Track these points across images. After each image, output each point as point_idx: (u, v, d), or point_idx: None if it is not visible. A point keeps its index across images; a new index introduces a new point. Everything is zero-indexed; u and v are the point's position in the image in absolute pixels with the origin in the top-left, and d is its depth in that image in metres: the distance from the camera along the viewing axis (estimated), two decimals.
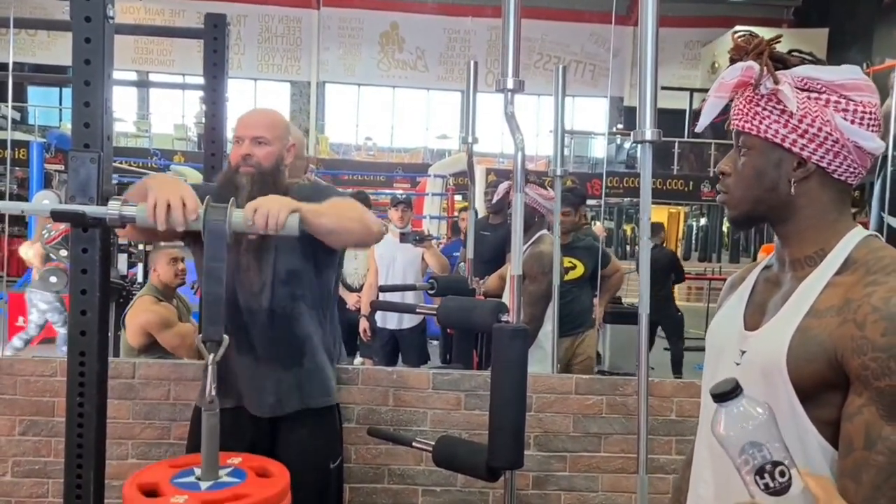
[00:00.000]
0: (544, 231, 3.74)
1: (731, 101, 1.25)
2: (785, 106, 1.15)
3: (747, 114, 1.20)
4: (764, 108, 1.18)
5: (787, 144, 1.16)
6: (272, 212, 1.92)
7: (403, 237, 4.68)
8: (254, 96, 22.76)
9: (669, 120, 16.69)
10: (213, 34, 3.13)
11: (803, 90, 1.16)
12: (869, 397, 1.04)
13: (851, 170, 1.17)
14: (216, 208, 1.92)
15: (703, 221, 22.52)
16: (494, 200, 4.85)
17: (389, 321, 5.35)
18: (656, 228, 9.79)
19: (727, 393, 0.93)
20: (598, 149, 20.12)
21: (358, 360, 5.96)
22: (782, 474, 0.89)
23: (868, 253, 1.14)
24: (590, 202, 14.25)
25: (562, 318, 3.54)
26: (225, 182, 2.27)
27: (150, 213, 1.90)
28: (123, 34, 2.60)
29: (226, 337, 1.92)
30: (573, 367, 4.06)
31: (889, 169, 3.46)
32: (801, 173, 1.17)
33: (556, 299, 3.32)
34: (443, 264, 5.15)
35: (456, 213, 10.32)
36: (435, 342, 6.89)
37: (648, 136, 2.05)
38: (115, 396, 2.71)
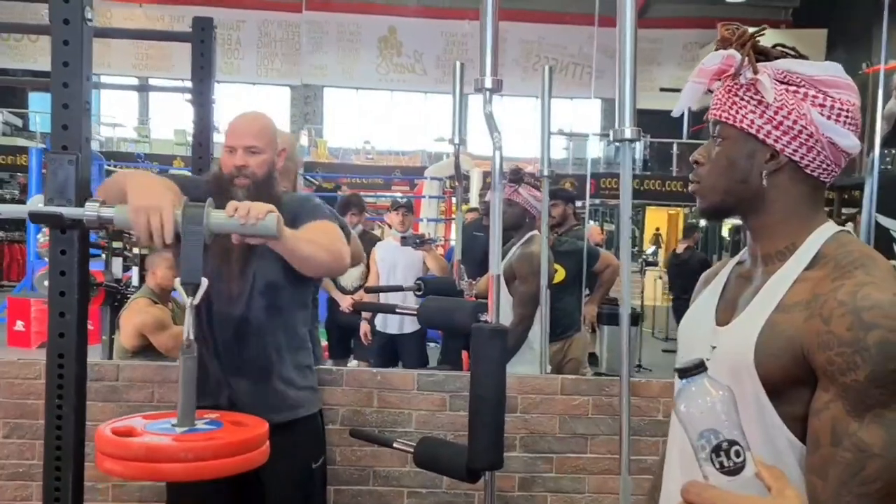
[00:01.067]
0: (535, 232, 3.73)
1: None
2: (762, 97, 1.15)
3: (725, 103, 1.20)
4: (742, 98, 1.18)
5: (761, 135, 1.16)
6: (253, 208, 1.89)
7: (404, 241, 4.67)
8: (253, 101, 22.80)
9: (668, 121, 16.63)
10: (201, 37, 3.14)
11: (782, 82, 1.16)
12: (835, 393, 1.03)
13: (824, 166, 1.17)
14: (193, 207, 1.90)
15: (702, 223, 22.48)
16: (484, 201, 4.85)
17: (390, 325, 5.34)
18: (689, 230, 9.73)
19: (690, 369, 0.93)
20: (596, 150, 20.14)
21: (353, 363, 5.96)
22: (737, 454, 0.89)
23: (838, 248, 1.14)
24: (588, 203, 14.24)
25: (550, 322, 3.53)
26: (218, 191, 2.23)
27: (135, 227, 1.89)
28: (105, 38, 2.61)
29: (204, 280, 1.87)
30: (563, 370, 4.06)
31: (877, 168, 3.46)
32: (772, 165, 1.17)
33: (545, 299, 3.32)
34: (443, 267, 5.15)
35: (453, 216, 10.31)
36: (433, 344, 6.90)
37: (628, 134, 2.06)
38: (98, 399, 2.71)
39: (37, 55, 19.61)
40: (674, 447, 1.31)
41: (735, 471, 0.89)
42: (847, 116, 1.14)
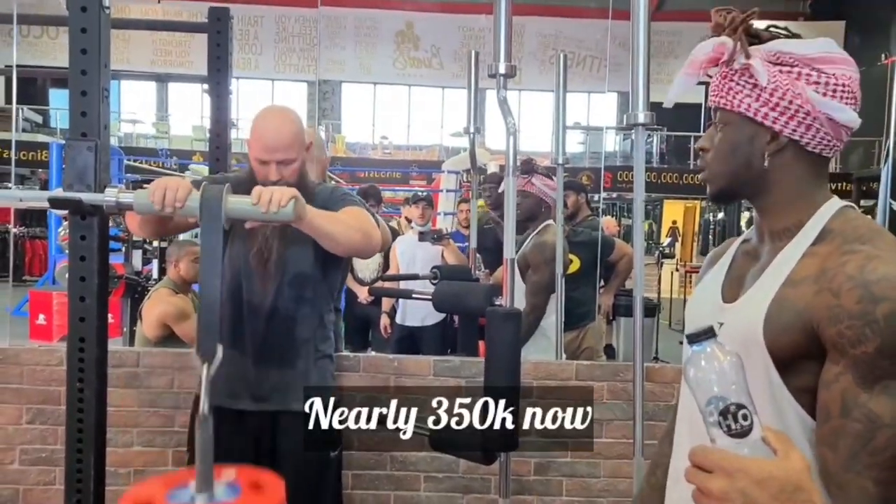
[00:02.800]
0: (550, 221, 3.74)
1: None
2: (757, 80, 1.17)
3: (721, 89, 1.22)
4: (737, 84, 1.19)
5: (759, 118, 1.17)
6: (276, 194, 1.89)
7: (422, 236, 4.68)
8: (271, 96, 22.89)
9: (686, 114, 16.59)
10: (217, 28, 3.16)
11: (775, 64, 1.17)
12: (845, 365, 1.04)
13: (825, 142, 1.18)
14: (212, 187, 1.89)
15: (720, 216, 22.38)
16: (496, 193, 4.85)
17: (410, 318, 5.33)
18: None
19: (700, 334, 0.94)
20: (612, 144, 20.08)
21: (371, 353, 5.97)
22: (745, 417, 0.90)
23: (844, 223, 1.15)
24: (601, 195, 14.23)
25: (565, 311, 3.54)
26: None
27: (150, 195, 1.91)
28: (122, 28, 2.64)
29: (219, 348, 1.85)
30: (578, 359, 4.06)
31: (892, 156, 3.44)
32: (774, 146, 1.18)
33: (560, 288, 3.33)
34: (462, 261, 5.15)
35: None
36: None
37: (641, 118, 2.07)
38: (120, 385, 2.75)
39: (56, 52, 19.77)
40: (683, 423, 1.32)
41: (742, 433, 0.90)
42: (844, 90, 1.15)
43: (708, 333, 0.95)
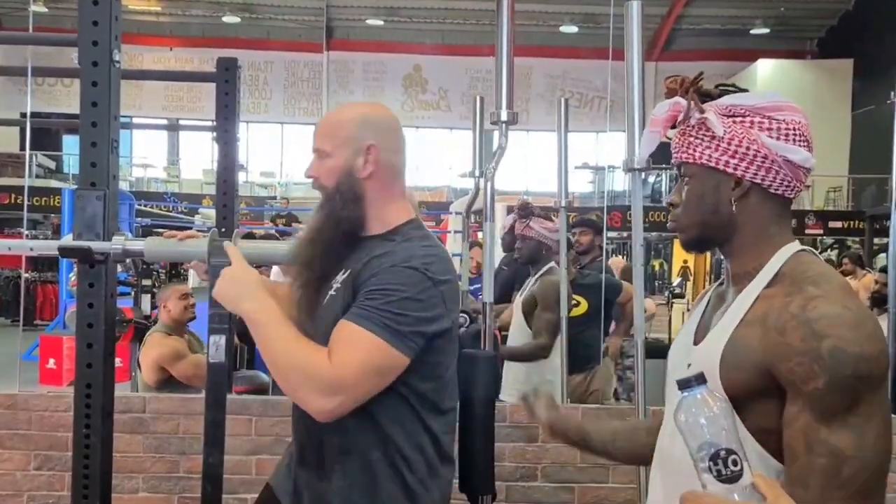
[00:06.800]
0: (553, 264, 3.75)
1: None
2: (714, 132, 1.24)
3: (682, 145, 1.29)
4: (696, 138, 1.27)
5: (721, 167, 1.24)
6: (226, 298, 1.60)
7: None
8: (281, 139, 23.16)
9: None
10: (225, 77, 3.22)
11: (728, 116, 1.25)
12: (802, 403, 1.08)
13: (786, 183, 1.24)
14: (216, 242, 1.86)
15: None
16: (507, 236, 4.87)
17: None
18: None
19: (690, 381, 0.96)
20: (619, 182, 20.13)
21: None
22: (735, 463, 0.91)
23: (796, 266, 1.21)
24: (610, 234, 14.24)
25: (571, 353, 3.54)
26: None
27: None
28: (132, 79, 2.70)
29: None
30: (586, 402, 4.05)
31: None
32: (738, 192, 1.25)
33: (564, 330, 3.34)
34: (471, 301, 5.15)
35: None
36: None
37: (636, 163, 2.11)
38: (126, 430, 2.76)
39: (70, 100, 20.09)
40: (656, 467, 1.35)
41: (732, 479, 0.91)
42: (795, 133, 1.22)
43: (699, 380, 0.96)
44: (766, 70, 19.93)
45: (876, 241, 15.82)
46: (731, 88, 1.30)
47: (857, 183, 18.18)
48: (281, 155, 23.26)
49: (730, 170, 1.24)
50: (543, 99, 21.47)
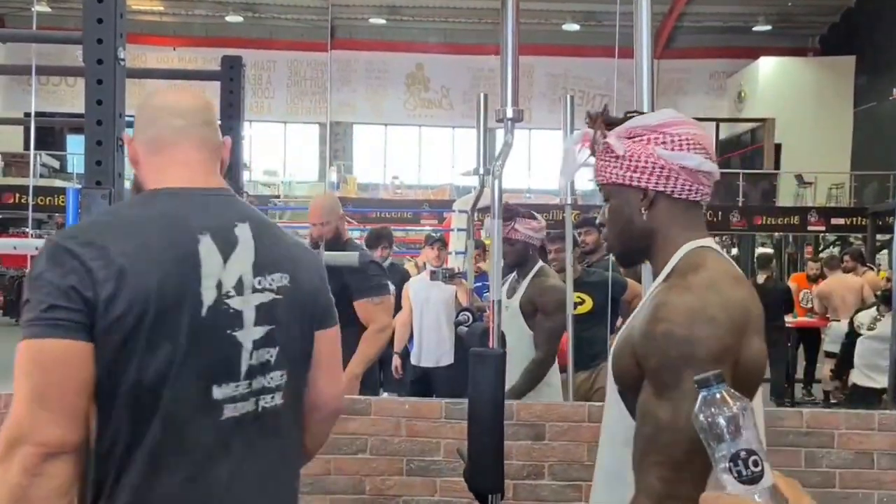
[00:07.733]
0: (542, 264, 3.66)
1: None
2: (617, 153, 1.39)
3: (596, 169, 1.46)
4: (605, 161, 1.42)
5: (627, 182, 1.39)
6: None
7: (433, 275, 4.66)
8: (284, 138, 23.19)
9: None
10: (230, 75, 3.22)
11: (629, 138, 1.39)
12: (646, 379, 1.24)
13: (687, 188, 1.37)
14: None
15: (734, 252, 22.32)
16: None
17: (425, 359, 5.34)
18: (764, 260, 9.52)
19: (708, 378, 0.95)
20: None
21: (384, 395, 5.96)
22: (756, 464, 0.90)
23: (686, 261, 1.34)
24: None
25: (575, 351, 3.52)
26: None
27: None
28: (136, 78, 2.70)
29: None
30: (591, 400, 4.03)
31: None
32: (646, 202, 1.39)
33: (570, 329, 3.33)
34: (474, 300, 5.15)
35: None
36: None
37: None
38: None
39: (73, 99, 20.10)
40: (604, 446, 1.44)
41: (753, 480, 0.90)
42: (689, 143, 1.36)
43: (717, 378, 0.95)
44: (768, 67, 19.91)
45: (878, 237, 15.81)
46: (634, 114, 1.44)
47: (860, 179, 18.15)
48: (284, 154, 23.28)
49: (635, 183, 1.38)
50: (545, 97, 21.44)
